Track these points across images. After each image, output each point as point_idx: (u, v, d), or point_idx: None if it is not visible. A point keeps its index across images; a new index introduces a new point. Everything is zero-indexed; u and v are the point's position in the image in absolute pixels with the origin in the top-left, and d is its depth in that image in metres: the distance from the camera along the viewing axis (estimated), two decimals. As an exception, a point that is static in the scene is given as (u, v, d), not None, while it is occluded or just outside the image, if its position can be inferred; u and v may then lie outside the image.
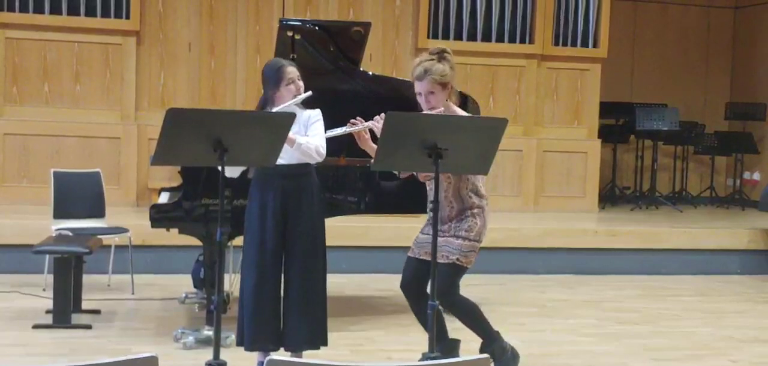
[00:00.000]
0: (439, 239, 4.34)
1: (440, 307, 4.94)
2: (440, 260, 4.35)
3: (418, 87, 4.38)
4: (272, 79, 4.41)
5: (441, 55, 4.39)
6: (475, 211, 4.42)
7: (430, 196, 4.50)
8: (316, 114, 4.46)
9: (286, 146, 4.19)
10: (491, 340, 4.58)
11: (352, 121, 4.40)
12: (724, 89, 11.63)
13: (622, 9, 10.75)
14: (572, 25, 9.68)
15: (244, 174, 4.66)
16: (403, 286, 4.56)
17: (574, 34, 9.69)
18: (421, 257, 4.48)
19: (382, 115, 4.41)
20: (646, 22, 11.43)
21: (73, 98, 8.72)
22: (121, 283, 6.67)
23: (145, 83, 8.91)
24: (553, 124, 9.76)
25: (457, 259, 4.38)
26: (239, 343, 4.51)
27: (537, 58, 9.61)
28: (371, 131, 4.38)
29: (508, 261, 7.84)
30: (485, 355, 2.28)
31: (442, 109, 4.36)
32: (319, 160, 4.41)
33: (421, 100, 4.41)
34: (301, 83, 4.42)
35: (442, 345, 4.54)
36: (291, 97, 4.37)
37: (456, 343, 4.67)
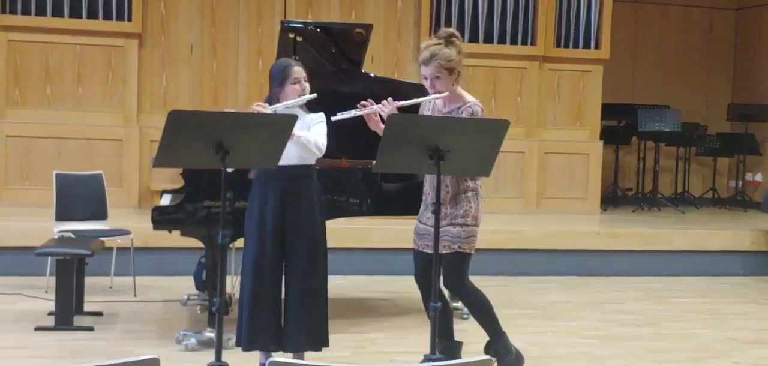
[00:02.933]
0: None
1: (452, 306, 4.95)
2: (443, 251, 4.36)
3: (424, 71, 4.39)
4: (278, 77, 4.41)
5: (449, 39, 4.41)
6: (469, 194, 4.43)
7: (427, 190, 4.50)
8: (319, 116, 4.46)
9: (287, 145, 4.18)
10: (497, 338, 4.57)
11: (362, 103, 4.41)
12: (726, 91, 11.63)
13: (623, 10, 10.75)
14: (574, 27, 9.68)
15: (244, 174, 4.66)
16: (416, 278, 4.58)
17: (576, 35, 9.69)
18: (423, 250, 4.48)
19: (390, 99, 4.44)
20: (647, 24, 11.43)
21: (75, 100, 8.73)
22: (123, 285, 6.68)
23: (147, 85, 8.91)
24: (555, 125, 9.76)
25: (459, 247, 4.40)
26: (238, 343, 4.51)
27: (539, 59, 9.61)
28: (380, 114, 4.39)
29: (509, 263, 7.84)
30: (488, 357, 2.27)
31: (448, 93, 4.37)
32: (319, 155, 4.40)
33: (426, 84, 4.41)
34: (306, 84, 4.43)
35: (446, 345, 4.54)
36: (295, 97, 4.37)
37: (458, 345, 4.67)
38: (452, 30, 4.49)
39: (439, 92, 4.37)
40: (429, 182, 4.48)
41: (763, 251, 8.44)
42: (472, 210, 4.42)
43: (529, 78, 9.59)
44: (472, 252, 4.48)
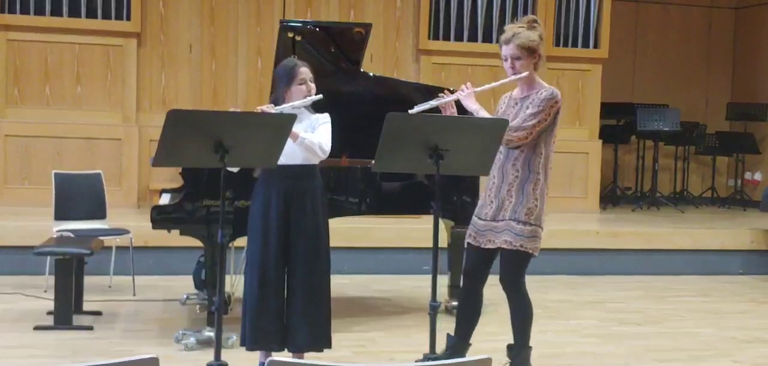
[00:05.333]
0: (500, 223, 4.32)
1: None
2: (504, 246, 4.31)
3: (505, 50, 4.32)
4: (285, 78, 4.40)
5: (531, 23, 4.36)
6: (538, 192, 4.34)
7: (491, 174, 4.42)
8: (325, 117, 4.44)
9: (291, 144, 4.18)
10: (522, 348, 4.50)
11: (440, 94, 4.37)
12: (726, 90, 11.63)
13: (623, 9, 10.75)
14: (573, 26, 9.68)
15: (247, 173, 4.66)
16: (464, 275, 4.50)
17: (575, 34, 9.69)
18: (484, 246, 4.39)
19: (468, 84, 4.39)
20: (647, 23, 11.43)
21: (74, 100, 8.72)
22: (123, 284, 6.67)
23: (146, 85, 8.91)
24: (555, 124, 9.74)
25: (521, 246, 4.30)
26: (242, 342, 4.51)
27: (538, 58, 9.60)
28: (457, 104, 4.35)
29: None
30: (486, 357, 2.26)
31: (526, 73, 4.30)
32: (323, 157, 4.39)
33: (506, 65, 4.34)
34: (312, 85, 4.41)
35: (456, 343, 4.52)
36: (301, 98, 4.36)
37: (467, 346, 4.64)
38: (534, 16, 4.45)
39: (518, 73, 4.29)
40: (496, 168, 4.35)
41: (762, 250, 8.44)
42: (537, 209, 4.34)
43: (528, 77, 9.56)
44: (535, 254, 4.37)
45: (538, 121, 4.25)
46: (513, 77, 4.33)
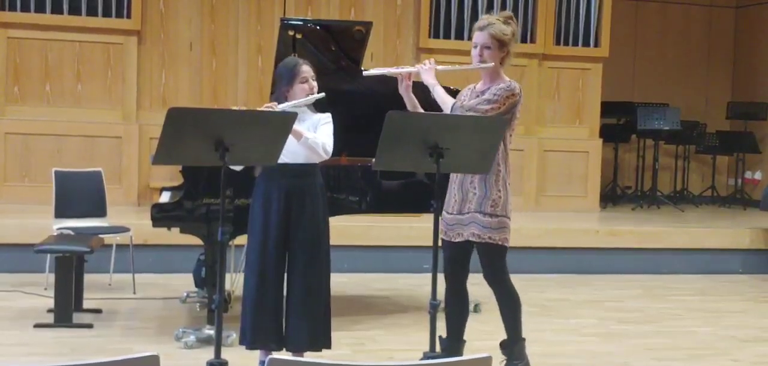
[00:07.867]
0: (465, 216, 4.35)
1: (471, 309, 4.90)
2: (472, 239, 4.35)
3: (477, 37, 4.38)
4: (286, 76, 4.39)
5: (507, 18, 4.43)
6: (500, 182, 4.37)
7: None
8: (327, 117, 4.44)
9: (293, 143, 4.18)
10: (516, 340, 4.52)
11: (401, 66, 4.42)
12: (726, 89, 11.64)
13: (623, 8, 10.75)
14: (574, 25, 9.68)
15: (247, 171, 4.66)
16: (444, 269, 4.53)
17: (576, 33, 9.69)
18: (454, 241, 4.43)
19: (431, 59, 4.42)
20: (647, 22, 11.43)
21: (74, 98, 8.72)
22: (123, 282, 6.68)
23: (146, 83, 8.91)
24: (555, 123, 9.76)
25: (490, 238, 4.34)
26: (242, 341, 4.51)
27: (538, 57, 9.61)
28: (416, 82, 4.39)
29: (508, 260, 7.79)
30: (486, 355, 2.27)
31: (492, 64, 4.34)
32: (325, 157, 4.39)
33: (474, 52, 4.38)
34: (315, 83, 4.41)
35: (450, 343, 4.53)
36: (303, 96, 4.36)
37: (462, 343, 4.65)
38: (511, 13, 4.50)
39: (484, 62, 4.34)
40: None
41: (761, 249, 8.44)
42: (501, 200, 4.37)
43: (528, 76, 9.58)
44: (506, 245, 4.42)
45: (490, 108, 4.30)
46: (478, 66, 4.38)
